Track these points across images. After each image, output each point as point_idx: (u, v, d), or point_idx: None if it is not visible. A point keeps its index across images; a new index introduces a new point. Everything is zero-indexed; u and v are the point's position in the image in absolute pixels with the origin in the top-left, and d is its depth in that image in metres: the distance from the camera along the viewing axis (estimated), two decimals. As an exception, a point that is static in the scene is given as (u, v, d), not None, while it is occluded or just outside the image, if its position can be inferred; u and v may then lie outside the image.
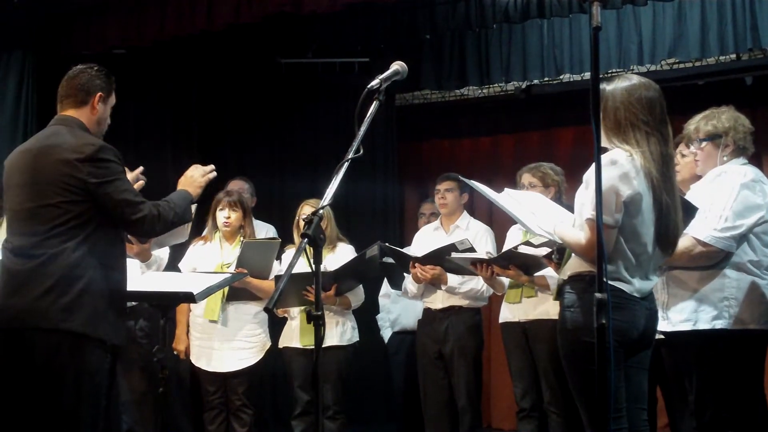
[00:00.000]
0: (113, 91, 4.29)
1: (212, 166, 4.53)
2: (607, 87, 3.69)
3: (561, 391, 5.46)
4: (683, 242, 4.10)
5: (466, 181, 4.61)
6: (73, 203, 3.91)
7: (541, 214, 3.92)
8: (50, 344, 3.85)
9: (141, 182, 4.62)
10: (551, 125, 8.92)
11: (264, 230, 6.78)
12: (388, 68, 3.42)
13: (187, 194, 4.33)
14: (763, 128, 7.36)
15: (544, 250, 5.16)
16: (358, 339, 6.16)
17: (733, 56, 7.80)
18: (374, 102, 3.26)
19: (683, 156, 4.87)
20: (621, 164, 3.53)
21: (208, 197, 6.64)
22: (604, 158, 3.53)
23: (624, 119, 3.63)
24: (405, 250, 6.24)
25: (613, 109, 3.67)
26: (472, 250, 5.65)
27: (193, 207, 4.71)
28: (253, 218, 6.67)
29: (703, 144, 4.48)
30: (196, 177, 4.44)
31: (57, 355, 3.85)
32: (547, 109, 8.83)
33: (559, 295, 3.78)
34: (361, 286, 6.10)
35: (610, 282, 3.42)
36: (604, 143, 3.67)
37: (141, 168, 4.66)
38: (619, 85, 3.71)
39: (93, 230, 3.94)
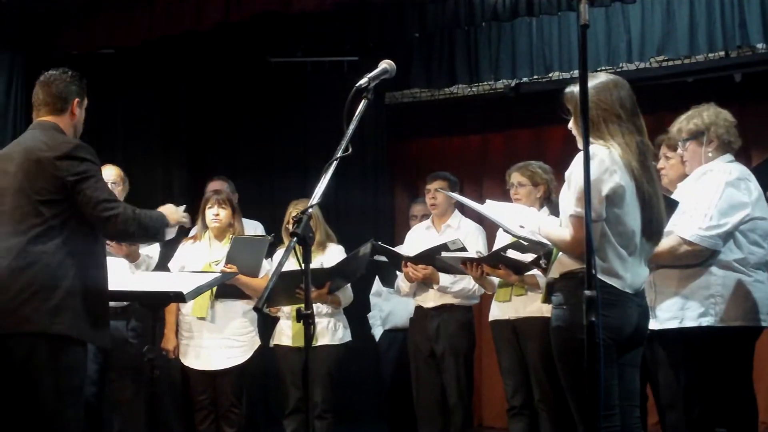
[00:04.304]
0: (86, 93, 4.32)
1: (186, 213, 4.60)
2: (575, 89, 3.68)
3: (551, 389, 5.46)
4: (669, 241, 4.12)
5: (447, 193, 4.60)
6: (50, 203, 3.91)
7: (524, 220, 3.96)
8: (31, 347, 3.83)
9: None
10: (541, 123, 8.91)
11: (252, 228, 6.77)
12: (377, 67, 3.43)
13: (164, 217, 4.33)
14: (752, 125, 7.40)
15: (531, 256, 5.18)
16: (350, 339, 6.17)
17: (722, 53, 7.82)
18: (363, 100, 3.27)
19: (668, 158, 4.89)
20: (601, 159, 3.53)
21: (196, 198, 6.66)
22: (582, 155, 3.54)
23: (596, 116, 3.63)
24: (397, 249, 6.24)
25: None
26: (463, 249, 5.66)
27: (174, 230, 4.73)
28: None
29: (687, 143, 4.50)
30: (174, 213, 4.46)
31: (37, 357, 3.84)
32: (536, 107, 8.80)
33: (549, 294, 3.78)
34: (349, 285, 6.10)
35: (601, 277, 3.45)
36: (581, 144, 3.68)
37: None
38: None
39: (72, 230, 3.94)
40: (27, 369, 3.85)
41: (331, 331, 6.02)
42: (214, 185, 6.83)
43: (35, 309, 3.82)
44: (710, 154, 4.44)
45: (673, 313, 4.33)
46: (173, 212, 4.45)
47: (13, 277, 3.85)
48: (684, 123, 4.52)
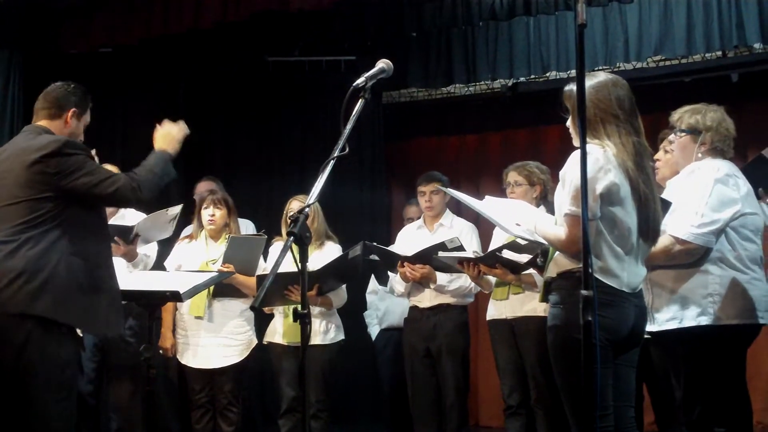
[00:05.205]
0: (89, 109, 4.37)
1: (183, 122, 4.51)
2: (575, 87, 3.68)
3: (548, 389, 5.45)
4: (662, 241, 4.11)
5: (444, 189, 4.60)
6: (39, 200, 3.95)
7: (521, 218, 3.95)
8: (19, 332, 3.85)
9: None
10: (538, 123, 8.93)
11: (243, 227, 6.78)
12: (374, 66, 3.43)
13: (164, 153, 4.33)
14: (749, 125, 7.40)
15: (526, 257, 5.18)
16: (343, 337, 6.12)
17: (719, 53, 7.85)
18: (360, 100, 3.27)
19: (666, 152, 4.90)
20: (595, 158, 3.52)
21: (189, 197, 6.66)
22: (577, 154, 3.54)
23: (593, 116, 3.63)
24: (391, 249, 6.22)
25: None
26: (461, 248, 5.65)
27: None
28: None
29: (681, 135, 4.50)
30: (173, 133, 4.43)
31: (26, 345, 3.85)
32: (533, 107, 8.84)
33: (546, 293, 3.78)
34: (343, 286, 6.06)
35: (598, 277, 3.44)
36: (576, 143, 3.68)
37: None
38: (585, 83, 3.71)
39: (64, 224, 3.97)
40: (17, 355, 3.85)
41: (323, 331, 5.97)
42: (205, 185, 6.82)
43: (16, 291, 3.86)
44: (699, 155, 4.45)
45: (671, 314, 4.33)
46: (170, 133, 4.42)
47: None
48: (686, 115, 4.51)
